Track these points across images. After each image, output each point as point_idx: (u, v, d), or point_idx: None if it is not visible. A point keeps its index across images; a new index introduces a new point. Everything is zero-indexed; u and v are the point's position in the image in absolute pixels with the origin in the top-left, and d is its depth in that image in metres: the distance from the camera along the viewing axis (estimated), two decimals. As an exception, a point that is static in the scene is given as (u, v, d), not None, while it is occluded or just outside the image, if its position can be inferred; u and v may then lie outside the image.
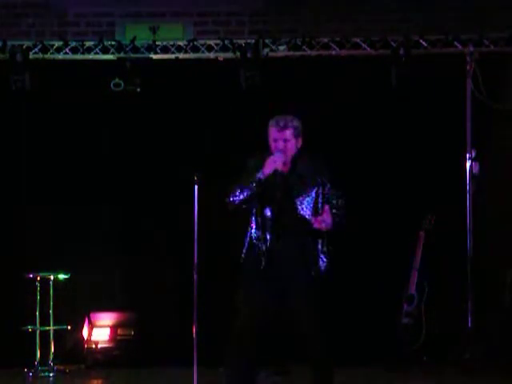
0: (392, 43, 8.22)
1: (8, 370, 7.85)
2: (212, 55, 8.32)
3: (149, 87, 8.32)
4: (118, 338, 8.29)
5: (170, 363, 8.05)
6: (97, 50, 8.31)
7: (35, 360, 7.83)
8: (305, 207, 5.33)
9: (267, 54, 8.26)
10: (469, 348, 7.95)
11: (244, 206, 5.34)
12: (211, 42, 8.33)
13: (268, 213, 5.32)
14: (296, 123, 5.41)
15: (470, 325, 8.17)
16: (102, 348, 8.23)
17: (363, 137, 8.42)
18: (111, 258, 8.44)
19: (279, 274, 5.31)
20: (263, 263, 5.29)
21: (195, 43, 8.32)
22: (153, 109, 8.46)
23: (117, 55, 8.29)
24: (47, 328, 7.87)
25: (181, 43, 8.33)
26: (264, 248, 5.30)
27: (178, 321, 7.90)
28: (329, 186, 5.41)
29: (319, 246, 5.40)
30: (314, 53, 8.32)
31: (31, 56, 8.21)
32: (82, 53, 8.29)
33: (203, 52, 8.33)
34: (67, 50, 8.31)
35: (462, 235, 8.27)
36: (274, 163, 5.26)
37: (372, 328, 8.14)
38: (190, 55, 8.33)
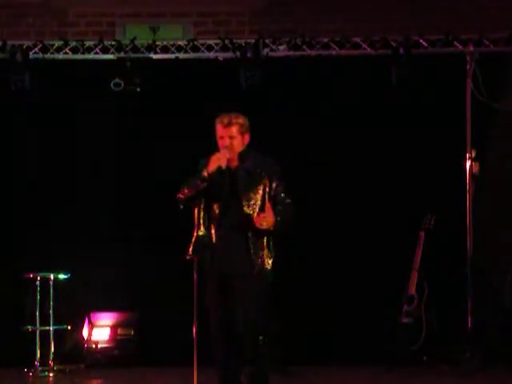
0: (392, 43, 8.22)
1: (8, 370, 7.84)
2: (212, 55, 8.32)
3: (149, 87, 8.32)
4: (118, 337, 8.29)
5: (169, 363, 8.05)
6: (97, 49, 8.31)
7: (35, 360, 7.83)
8: (252, 204, 5.35)
9: (267, 53, 8.26)
10: (469, 348, 7.95)
11: (191, 203, 5.38)
12: (211, 42, 8.33)
13: (214, 210, 5.37)
14: (242, 120, 5.46)
15: (469, 325, 8.17)
16: (101, 348, 8.23)
17: (363, 137, 8.42)
18: (111, 258, 8.43)
19: (222, 272, 5.35)
20: (210, 260, 5.34)
21: (195, 43, 8.32)
22: (153, 108, 8.46)
23: (117, 55, 8.29)
24: (47, 328, 7.86)
25: (181, 43, 8.33)
26: (209, 245, 5.33)
27: (178, 320, 7.88)
28: (276, 183, 5.44)
29: (264, 245, 5.37)
30: (313, 53, 8.32)
31: (31, 56, 8.21)
32: (82, 53, 8.29)
33: (203, 52, 8.33)
34: (67, 49, 8.30)
35: (461, 235, 8.27)
36: (218, 160, 5.33)
37: (372, 328, 8.14)
38: (190, 55, 8.33)
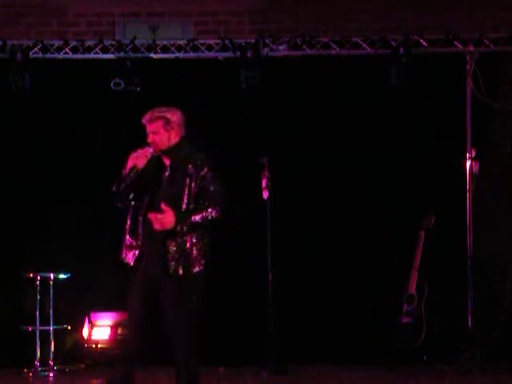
0: (392, 43, 8.22)
1: (8, 370, 7.83)
2: (212, 55, 8.32)
3: (149, 87, 8.32)
4: (118, 337, 8.28)
5: (170, 363, 8.02)
6: (97, 49, 8.31)
7: (35, 360, 7.83)
8: (176, 202, 5.18)
9: (267, 53, 8.26)
10: (469, 348, 7.95)
11: (124, 203, 5.28)
12: (211, 42, 8.32)
13: (141, 208, 5.27)
14: (169, 115, 5.33)
15: (469, 324, 8.17)
16: (101, 348, 8.22)
17: (363, 136, 8.42)
18: (111, 258, 8.41)
19: (148, 273, 5.23)
20: (136, 260, 5.25)
21: (195, 43, 8.32)
22: (153, 108, 8.44)
23: (117, 55, 8.29)
24: (47, 328, 7.86)
25: (181, 43, 8.32)
26: (136, 244, 5.24)
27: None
28: (202, 179, 5.23)
29: (190, 245, 5.22)
30: (314, 52, 8.32)
31: (31, 55, 8.21)
32: (82, 52, 8.28)
33: (203, 51, 8.32)
34: (67, 49, 8.29)
35: (462, 235, 8.27)
36: (135, 159, 5.25)
37: (372, 327, 8.15)
38: (190, 55, 8.33)
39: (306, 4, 8.65)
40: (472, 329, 8.14)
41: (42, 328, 7.87)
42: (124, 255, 5.34)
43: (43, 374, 7.78)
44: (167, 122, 5.33)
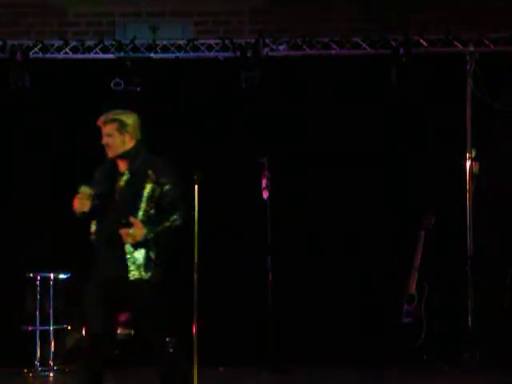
0: (392, 43, 8.22)
1: (8, 370, 7.83)
2: (212, 55, 8.32)
3: (149, 87, 8.32)
4: (118, 337, 8.26)
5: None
6: (97, 49, 8.32)
7: (35, 359, 7.82)
8: (137, 204, 5.13)
9: (267, 53, 8.27)
10: (469, 348, 7.95)
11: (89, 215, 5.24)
12: (211, 42, 8.33)
13: (95, 213, 5.22)
14: (124, 118, 5.25)
15: (469, 324, 8.17)
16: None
17: (363, 136, 8.42)
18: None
19: (108, 280, 5.19)
20: (94, 270, 5.22)
21: (195, 43, 8.32)
22: (153, 108, 8.45)
23: (117, 55, 8.29)
24: (47, 328, 7.86)
25: (181, 43, 8.33)
26: (98, 252, 5.22)
27: (177, 320, 7.88)
28: (163, 186, 5.19)
29: (143, 254, 5.17)
30: (314, 52, 8.32)
31: (31, 55, 8.21)
32: (82, 52, 8.29)
33: (203, 51, 8.33)
34: (67, 49, 8.31)
35: (461, 234, 8.27)
36: (82, 206, 5.18)
37: (372, 327, 8.15)
38: (190, 55, 8.33)
39: (306, 4, 8.64)
40: (472, 329, 8.15)
41: (42, 328, 7.86)
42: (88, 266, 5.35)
43: (43, 373, 7.78)
44: (122, 124, 5.24)
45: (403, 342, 8.07)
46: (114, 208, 5.16)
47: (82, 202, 5.20)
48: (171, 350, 5.27)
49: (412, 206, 8.34)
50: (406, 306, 8.16)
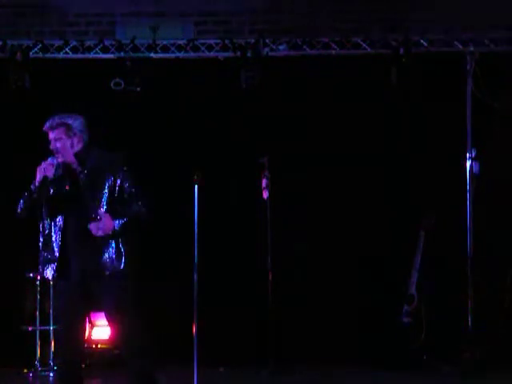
0: (392, 43, 8.22)
1: (8, 370, 7.83)
2: (212, 55, 8.32)
3: (149, 87, 8.32)
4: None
5: (170, 363, 8.04)
6: (97, 49, 8.31)
7: (35, 359, 7.82)
8: (97, 204, 5.17)
9: (267, 53, 8.26)
10: (469, 348, 7.95)
11: (32, 215, 5.23)
12: (211, 42, 8.32)
13: (58, 217, 5.20)
14: (70, 121, 5.30)
15: (470, 325, 8.17)
16: (101, 348, 8.22)
17: (363, 136, 8.42)
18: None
19: (77, 279, 5.18)
20: (59, 270, 5.18)
21: (195, 43, 8.32)
22: (153, 108, 8.46)
23: (117, 55, 8.29)
24: (47, 328, 7.85)
25: (181, 43, 8.33)
26: (55, 255, 5.18)
27: (178, 320, 7.89)
28: (121, 179, 5.24)
29: (114, 245, 5.22)
30: (314, 52, 8.31)
31: (31, 55, 8.21)
32: (82, 52, 8.29)
33: (203, 51, 8.33)
34: (67, 49, 8.31)
35: (462, 235, 8.27)
36: (43, 171, 5.18)
37: (372, 327, 8.15)
38: (190, 55, 8.33)
39: (307, 3, 8.63)
40: (472, 329, 8.14)
41: (41, 328, 7.86)
42: (42, 270, 5.28)
43: (43, 373, 7.77)
44: (68, 128, 5.30)
45: (403, 342, 8.07)
46: (79, 206, 5.18)
47: (47, 168, 5.20)
48: (143, 350, 5.27)
49: (412, 206, 8.34)
50: (406, 307, 8.15)
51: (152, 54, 8.32)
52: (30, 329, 7.90)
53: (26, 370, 7.79)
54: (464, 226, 8.28)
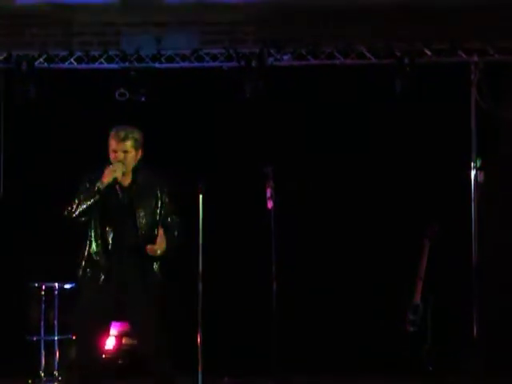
0: (396, 53, 8.23)
1: (12, 380, 7.83)
2: (216, 64, 8.33)
3: (154, 97, 8.33)
4: (123, 347, 8.27)
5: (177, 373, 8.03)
6: (102, 59, 8.34)
7: (40, 369, 7.81)
8: (145, 219, 5.35)
9: (272, 63, 8.28)
10: (474, 357, 7.93)
11: (83, 219, 5.32)
12: (216, 52, 8.34)
13: (108, 226, 5.32)
14: (137, 135, 5.42)
15: (475, 334, 8.15)
16: (106, 358, 8.20)
17: (368, 146, 8.43)
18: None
19: (117, 289, 5.31)
20: (102, 278, 5.29)
21: (200, 53, 8.34)
22: (158, 118, 8.47)
23: (121, 65, 8.31)
24: (52, 338, 7.85)
25: (185, 53, 8.34)
26: (103, 262, 5.29)
27: (182, 330, 7.87)
28: (167, 200, 5.45)
29: (156, 259, 5.41)
30: (318, 62, 8.32)
31: (36, 66, 8.23)
32: (87, 62, 8.31)
33: (208, 61, 8.35)
34: (72, 59, 8.33)
35: (466, 244, 8.26)
36: (113, 172, 5.29)
37: (377, 337, 8.13)
38: (195, 64, 8.35)
39: (311, 13, 8.64)
40: (477, 338, 8.12)
41: (46, 338, 7.85)
42: (84, 272, 5.38)
43: (47, 383, 7.76)
44: (136, 141, 5.42)
45: (408, 352, 8.05)
46: (129, 219, 5.31)
47: (116, 170, 5.30)
48: (169, 361, 5.38)
49: (417, 215, 8.33)
50: (410, 316, 8.14)
51: (156, 64, 8.34)
52: (34, 339, 7.89)
53: (30, 381, 7.78)
54: (469, 234, 8.27)
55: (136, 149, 5.41)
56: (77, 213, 5.31)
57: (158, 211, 5.41)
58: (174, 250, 5.50)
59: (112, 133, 5.44)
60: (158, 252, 5.32)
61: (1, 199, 8.52)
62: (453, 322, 8.14)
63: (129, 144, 5.38)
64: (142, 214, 5.35)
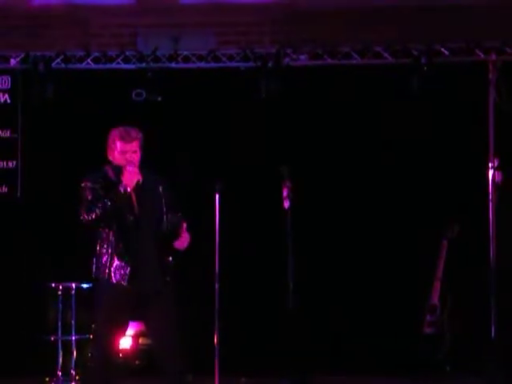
0: (414, 52, 8.20)
1: (30, 379, 7.87)
2: (233, 65, 8.34)
3: (170, 97, 8.35)
4: (140, 347, 8.28)
5: (191, 372, 8.03)
6: (119, 60, 8.36)
7: (57, 369, 7.83)
8: (155, 217, 5.35)
9: (288, 63, 8.27)
10: (492, 358, 7.88)
11: (102, 224, 5.30)
12: (232, 52, 8.35)
13: (123, 226, 5.30)
14: (140, 135, 5.44)
15: (493, 335, 8.10)
16: (123, 358, 8.21)
17: (385, 145, 8.40)
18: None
19: (139, 288, 5.30)
20: (121, 278, 5.28)
21: (216, 53, 8.34)
22: (174, 118, 8.49)
23: (138, 65, 8.33)
24: (69, 337, 7.87)
25: (202, 53, 8.35)
26: (120, 263, 5.28)
27: (199, 330, 7.88)
28: (169, 197, 5.46)
29: (169, 259, 5.45)
30: (334, 62, 8.31)
31: (54, 66, 8.27)
32: (104, 63, 8.34)
33: (224, 62, 8.35)
34: (89, 60, 8.36)
35: (484, 244, 8.21)
36: (136, 175, 5.27)
37: (395, 338, 8.10)
38: (211, 65, 8.36)
39: (327, 13, 8.63)
40: (495, 339, 8.07)
41: (63, 338, 7.88)
42: (97, 273, 5.37)
43: (65, 382, 7.79)
44: (141, 140, 5.45)
45: (426, 353, 8.02)
46: (144, 220, 5.31)
47: (136, 172, 5.31)
48: (183, 361, 5.38)
49: (435, 214, 8.30)
50: (428, 317, 8.11)
51: (173, 65, 8.35)
52: (51, 338, 7.92)
53: (47, 379, 7.82)
54: (487, 235, 8.22)
55: (141, 148, 5.43)
56: (95, 217, 5.28)
57: (165, 209, 5.40)
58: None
59: (117, 134, 5.43)
60: (186, 244, 5.35)
61: (19, 199, 8.54)
62: (470, 322, 8.09)
63: (137, 144, 5.40)
64: (152, 212, 5.35)
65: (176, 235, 5.34)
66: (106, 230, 5.32)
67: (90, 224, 5.29)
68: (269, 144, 8.38)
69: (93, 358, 5.45)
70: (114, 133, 5.44)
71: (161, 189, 5.43)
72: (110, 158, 5.48)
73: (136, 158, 5.37)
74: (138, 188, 5.31)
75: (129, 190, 5.23)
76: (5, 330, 8.28)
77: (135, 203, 5.31)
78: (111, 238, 5.31)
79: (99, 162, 8.50)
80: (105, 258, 5.31)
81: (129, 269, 5.27)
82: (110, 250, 5.31)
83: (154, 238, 5.34)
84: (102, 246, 5.34)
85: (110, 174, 5.41)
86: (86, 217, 5.26)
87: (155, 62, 8.31)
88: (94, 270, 5.40)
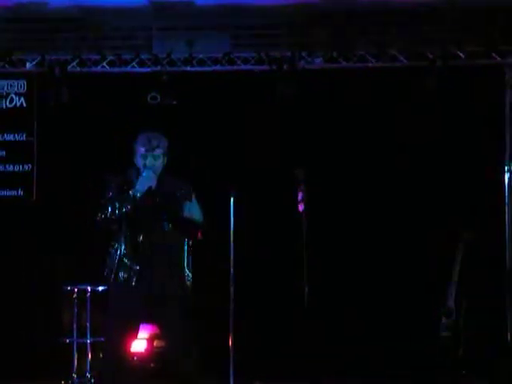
0: (429, 55, 8.18)
1: (45, 381, 7.89)
2: (248, 68, 8.34)
3: (185, 100, 8.36)
4: (154, 350, 8.28)
5: (205, 375, 8.02)
6: (134, 63, 8.38)
7: (72, 371, 7.85)
8: (169, 220, 5.38)
9: (303, 66, 8.27)
10: (508, 361, 7.85)
11: (116, 226, 5.35)
12: (247, 55, 8.35)
13: (137, 229, 5.34)
14: (164, 142, 5.50)
15: (508, 338, 8.07)
16: (138, 360, 8.23)
17: (400, 149, 8.38)
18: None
19: (150, 292, 5.33)
20: (134, 280, 5.31)
21: (231, 56, 8.35)
22: (189, 121, 8.50)
23: (153, 69, 8.35)
24: (84, 340, 7.89)
25: (217, 56, 8.36)
26: (136, 266, 5.31)
27: (214, 333, 7.88)
28: (188, 201, 5.46)
29: (184, 265, 5.51)
30: (350, 65, 8.30)
31: (69, 70, 8.29)
32: (119, 66, 8.36)
33: (239, 65, 8.36)
34: (104, 63, 8.38)
35: (500, 248, 8.19)
36: (149, 180, 5.31)
37: (410, 341, 8.07)
38: (226, 68, 8.36)
39: (342, 16, 8.61)
40: (511, 342, 8.04)
41: (79, 340, 7.89)
42: (111, 273, 5.40)
43: (80, 385, 7.82)
44: (165, 148, 5.51)
45: (441, 356, 7.99)
46: (158, 223, 5.36)
47: (150, 178, 5.40)
48: (192, 366, 5.44)
49: (450, 218, 8.27)
50: (444, 320, 8.08)
51: (188, 68, 8.36)
52: (67, 341, 7.94)
53: (63, 382, 7.83)
54: (502, 239, 8.19)
55: (164, 156, 5.49)
56: (109, 221, 5.34)
57: (180, 213, 5.42)
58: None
59: (142, 139, 5.48)
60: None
61: (34, 202, 8.57)
62: (486, 326, 8.06)
63: (160, 151, 5.44)
64: (169, 219, 5.39)
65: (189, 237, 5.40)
66: (117, 231, 5.36)
67: (101, 224, 5.34)
68: (283, 147, 8.37)
69: (104, 359, 5.47)
70: (140, 137, 5.51)
71: (183, 195, 5.44)
72: (134, 160, 5.53)
73: (157, 163, 5.41)
74: (149, 193, 5.32)
75: (138, 194, 5.26)
76: (20, 333, 8.31)
77: (145, 207, 5.32)
78: (121, 240, 5.35)
79: (114, 165, 8.57)
80: (115, 261, 5.37)
81: (137, 270, 5.29)
82: (119, 253, 5.35)
83: (164, 240, 5.35)
84: (112, 247, 5.40)
85: (130, 176, 5.42)
86: (99, 215, 5.33)
87: (170, 65, 8.33)
88: (105, 270, 5.45)
